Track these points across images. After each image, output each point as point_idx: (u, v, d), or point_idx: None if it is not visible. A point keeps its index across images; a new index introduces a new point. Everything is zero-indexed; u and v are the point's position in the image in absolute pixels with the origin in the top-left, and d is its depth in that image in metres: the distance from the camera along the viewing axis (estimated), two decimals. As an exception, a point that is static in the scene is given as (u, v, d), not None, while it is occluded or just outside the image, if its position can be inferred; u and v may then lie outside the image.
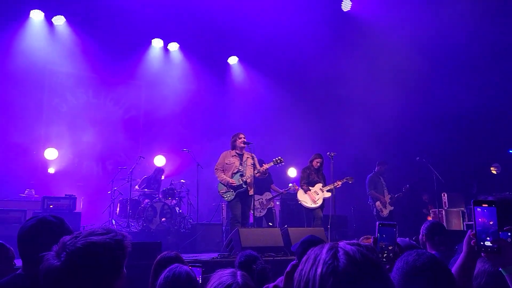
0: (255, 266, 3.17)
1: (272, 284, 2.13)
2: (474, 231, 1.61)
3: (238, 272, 1.75)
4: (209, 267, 4.34)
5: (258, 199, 8.96)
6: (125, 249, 1.56)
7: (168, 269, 2.32)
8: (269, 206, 9.24)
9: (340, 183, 8.16)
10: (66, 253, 1.42)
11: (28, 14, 10.21)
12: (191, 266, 2.76)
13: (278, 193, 9.54)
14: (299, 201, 8.25)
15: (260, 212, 9.02)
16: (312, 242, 2.77)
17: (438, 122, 10.74)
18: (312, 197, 8.09)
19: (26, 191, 8.83)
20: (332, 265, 0.99)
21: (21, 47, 10.02)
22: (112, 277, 1.52)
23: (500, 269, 1.60)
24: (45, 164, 10.20)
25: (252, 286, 1.73)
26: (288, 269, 1.49)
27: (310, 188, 8.18)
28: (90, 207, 9.53)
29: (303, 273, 1.04)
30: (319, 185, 8.20)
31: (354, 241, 1.12)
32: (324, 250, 1.04)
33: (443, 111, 10.63)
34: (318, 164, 8.29)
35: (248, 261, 3.29)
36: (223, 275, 1.74)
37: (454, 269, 1.68)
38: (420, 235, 4.17)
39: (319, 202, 8.08)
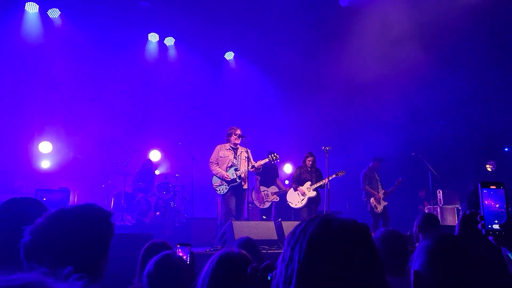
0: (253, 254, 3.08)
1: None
2: (482, 213, 1.55)
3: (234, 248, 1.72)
4: (202, 260, 4.29)
5: (264, 191, 8.99)
6: (112, 226, 1.53)
7: (159, 255, 2.24)
8: (274, 199, 9.15)
9: (327, 180, 8.13)
10: (52, 224, 1.39)
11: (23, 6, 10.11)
12: (180, 244, 2.70)
13: (282, 190, 9.40)
14: (287, 201, 8.45)
15: (264, 204, 8.97)
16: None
17: (433, 117, 10.71)
18: (297, 198, 8.27)
19: (16, 184, 8.76)
20: (324, 227, 0.98)
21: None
22: (99, 254, 1.48)
23: (508, 253, 1.52)
24: (38, 157, 10.10)
25: (249, 257, 1.69)
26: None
27: (300, 187, 8.29)
28: (84, 200, 9.44)
29: (293, 238, 1.01)
30: (307, 184, 8.28)
31: None
32: (316, 220, 1.03)
33: (440, 107, 10.59)
34: (310, 162, 8.39)
35: (245, 247, 3.22)
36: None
37: None
38: (414, 227, 4.11)
39: (304, 202, 8.20)
